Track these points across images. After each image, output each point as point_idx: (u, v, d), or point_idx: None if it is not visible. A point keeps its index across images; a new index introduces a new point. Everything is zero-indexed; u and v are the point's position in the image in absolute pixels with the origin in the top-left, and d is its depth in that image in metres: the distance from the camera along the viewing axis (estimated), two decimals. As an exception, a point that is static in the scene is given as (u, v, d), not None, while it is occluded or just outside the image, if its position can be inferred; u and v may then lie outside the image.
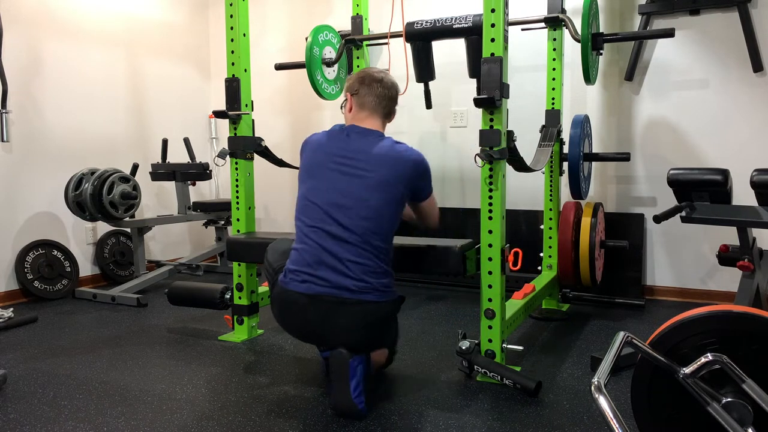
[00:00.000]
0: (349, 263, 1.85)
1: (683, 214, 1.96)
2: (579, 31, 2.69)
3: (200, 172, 3.83)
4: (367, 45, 3.42)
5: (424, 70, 2.71)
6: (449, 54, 3.49)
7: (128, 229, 3.77)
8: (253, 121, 2.66)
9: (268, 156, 2.70)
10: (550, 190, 2.97)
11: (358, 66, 3.37)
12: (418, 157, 1.98)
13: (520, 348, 2.16)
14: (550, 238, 2.99)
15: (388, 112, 2.09)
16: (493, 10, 1.99)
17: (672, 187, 2.01)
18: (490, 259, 2.07)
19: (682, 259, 3.20)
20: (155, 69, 4.13)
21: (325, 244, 1.87)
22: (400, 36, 2.80)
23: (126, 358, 2.38)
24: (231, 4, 2.50)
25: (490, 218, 2.06)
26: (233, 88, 2.57)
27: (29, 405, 1.93)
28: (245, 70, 2.59)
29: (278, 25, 4.30)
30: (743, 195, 2.64)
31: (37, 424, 1.79)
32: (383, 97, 2.04)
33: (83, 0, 3.65)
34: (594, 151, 3.22)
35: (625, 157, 2.89)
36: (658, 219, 2.01)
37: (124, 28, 3.91)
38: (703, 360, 1.26)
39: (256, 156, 2.64)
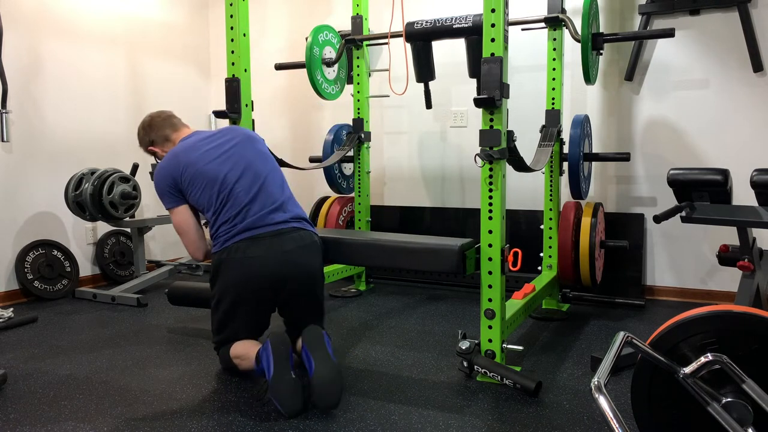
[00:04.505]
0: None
1: (683, 214, 1.96)
2: (579, 31, 2.69)
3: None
4: (367, 45, 3.42)
5: (424, 70, 2.71)
6: (449, 54, 3.49)
7: (128, 229, 3.77)
8: (253, 121, 2.66)
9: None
10: (550, 190, 2.97)
11: (358, 66, 3.37)
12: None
13: (520, 348, 2.16)
14: (550, 238, 2.99)
15: (180, 123, 2.38)
16: (493, 10, 1.99)
17: (672, 187, 2.01)
18: (490, 259, 2.07)
19: (682, 259, 3.20)
20: (155, 69, 4.13)
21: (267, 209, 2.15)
22: (400, 36, 2.80)
23: (126, 358, 2.38)
24: (231, 4, 2.51)
25: (490, 218, 2.06)
26: (233, 88, 2.57)
27: (29, 405, 1.93)
28: (245, 70, 2.59)
29: (278, 25, 4.30)
30: (743, 195, 2.64)
31: (37, 424, 1.79)
32: (166, 117, 2.36)
33: (83, 0, 3.65)
34: (594, 151, 3.22)
35: (625, 157, 2.89)
36: (658, 219, 2.01)
37: (124, 28, 3.91)
38: (703, 360, 1.26)
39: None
